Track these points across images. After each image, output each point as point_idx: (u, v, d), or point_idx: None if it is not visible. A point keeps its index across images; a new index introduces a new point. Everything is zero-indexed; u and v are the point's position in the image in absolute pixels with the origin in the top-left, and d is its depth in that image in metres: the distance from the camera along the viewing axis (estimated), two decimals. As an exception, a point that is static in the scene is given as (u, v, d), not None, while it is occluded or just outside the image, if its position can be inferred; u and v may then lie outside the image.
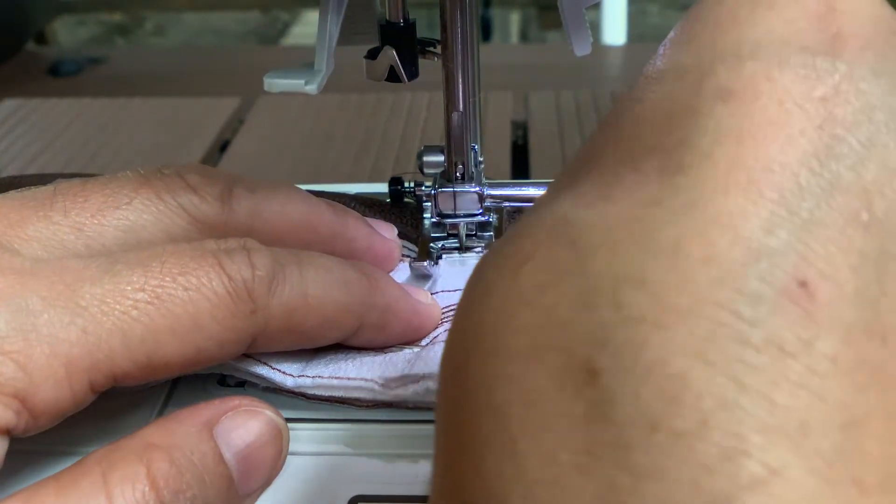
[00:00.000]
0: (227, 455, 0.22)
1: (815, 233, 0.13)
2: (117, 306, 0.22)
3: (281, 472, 0.24)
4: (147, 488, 0.20)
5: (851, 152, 0.14)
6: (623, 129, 0.16)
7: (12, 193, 0.25)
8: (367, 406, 0.26)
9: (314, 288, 0.25)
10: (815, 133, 0.14)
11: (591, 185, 0.15)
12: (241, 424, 0.23)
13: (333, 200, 0.35)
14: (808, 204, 0.13)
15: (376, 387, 0.26)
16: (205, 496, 0.21)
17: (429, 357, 0.26)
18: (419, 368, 0.26)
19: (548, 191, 0.17)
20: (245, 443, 0.22)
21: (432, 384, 0.25)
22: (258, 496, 0.23)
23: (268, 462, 0.23)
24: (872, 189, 0.14)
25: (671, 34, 0.18)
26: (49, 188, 0.25)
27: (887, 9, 0.17)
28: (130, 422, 0.26)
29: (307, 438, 0.26)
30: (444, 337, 0.27)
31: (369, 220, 0.31)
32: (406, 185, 0.34)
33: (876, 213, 0.14)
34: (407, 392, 0.25)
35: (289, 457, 0.24)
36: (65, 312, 0.21)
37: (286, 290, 0.24)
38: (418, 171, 0.33)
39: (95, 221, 0.24)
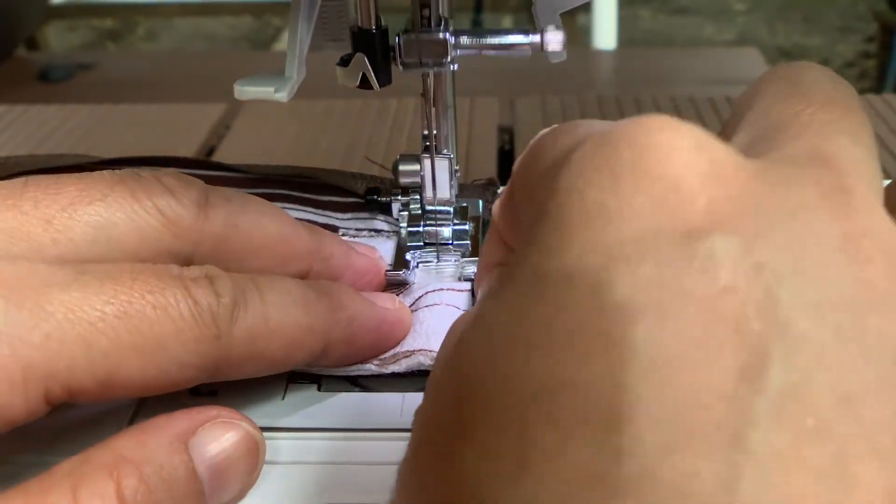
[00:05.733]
0: (201, 468, 0.22)
1: (778, 469, 0.12)
2: (84, 316, 0.21)
3: (257, 482, 0.24)
4: None
5: (775, 349, 0.13)
6: (519, 357, 0.14)
7: None
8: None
9: (275, 312, 0.24)
10: (735, 340, 0.13)
11: (504, 446, 0.14)
12: (217, 437, 0.22)
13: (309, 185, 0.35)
14: (759, 435, 0.13)
15: (373, 367, 0.28)
16: None
17: (418, 334, 0.28)
18: (409, 345, 0.28)
19: (440, 442, 0.16)
20: (220, 456, 0.22)
21: (423, 358, 0.27)
22: None
23: (241, 475, 0.23)
24: (808, 385, 0.13)
25: (527, 232, 0.16)
26: (21, 179, 0.24)
27: (733, 154, 0.16)
28: (100, 430, 0.26)
29: (283, 448, 0.26)
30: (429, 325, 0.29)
31: (348, 241, 0.31)
32: (383, 197, 0.34)
33: (822, 412, 0.13)
34: (401, 367, 0.28)
35: (265, 465, 0.24)
36: (30, 316, 0.21)
37: (248, 316, 0.24)
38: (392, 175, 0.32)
39: (66, 215, 0.24)
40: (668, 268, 0.14)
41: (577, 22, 1.51)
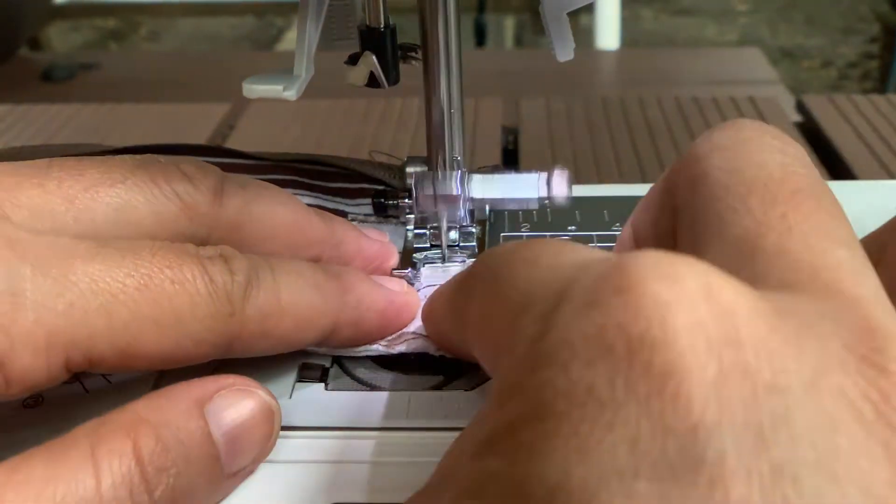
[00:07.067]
0: (217, 434, 0.22)
1: None
2: (106, 287, 0.22)
3: (263, 480, 0.24)
4: (133, 463, 0.20)
5: None
6: None
7: (8, 163, 0.25)
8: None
9: (286, 292, 0.25)
10: None
11: None
12: (234, 403, 0.23)
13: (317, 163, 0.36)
14: None
15: (380, 347, 0.28)
16: (189, 473, 0.21)
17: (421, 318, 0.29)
18: (416, 328, 0.28)
19: None
20: (235, 422, 0.22)
21: (429, 343, 0.28)
22: (245, 476, 0.23)
23: (257, 442, 0.23)
24: None
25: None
26: (45, 160, 0.25)
27: (745, 295, 0.14)
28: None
29: (290, 446, 0.25)
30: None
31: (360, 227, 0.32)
32: (390, 200, 0.34)
33: None
34: (406, 347, 0.28)
35: (269, 464, 0.24)
36: (55, 284, 0.21)
37: (260, 295, 0.24)
38: (399, 173, 0.33)
39: (88, 195, 0.24)
40: (670, 484, 0.13)
41: (579, 22, 1.51)
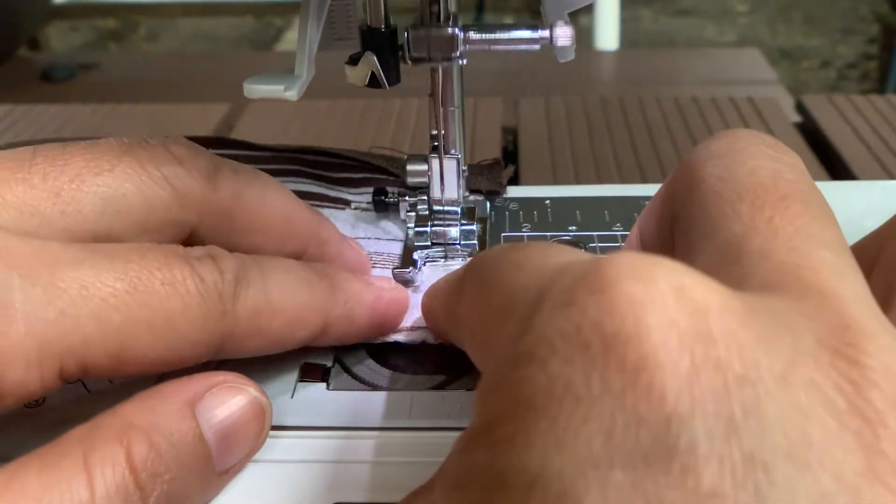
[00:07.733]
0: (208, 434, 0.22)
1: None
2: (96, 292, 0.21)
3: (264, 479, 0.24)
4: (126, 472, 0.20)
5: None
6: None
7: None
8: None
9: (276, 290, 0.25)
10: None
11: None
12: (224, 401, 0.23)
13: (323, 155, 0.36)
14: None
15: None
16: (182, 475, 0.21)
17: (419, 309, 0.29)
18: (415, 320, 0.29)
19: None
20: (226, 420, 0.22)
21: (428, 334, 0.29)
22: (236, 472, 0.23)
23: (248, 439, 0.23)
24: None
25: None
26: (29, 149, 0.24)
27: (718, 291, 0.15)
28: None
29: (292, 446, 0.26)
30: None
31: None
32: (390, 195, 0.34)
33: None
34: (402, 337, 0.29)
35: (272, 464, 0.24)
36: (44, 293, 0.21)
37: (250, 294, 0.24)
38: (402, 169, 0.33)
39: (74, 186, 0.24)
40: (644, 472, 0.13)
41: (578, 23, 1.51)
